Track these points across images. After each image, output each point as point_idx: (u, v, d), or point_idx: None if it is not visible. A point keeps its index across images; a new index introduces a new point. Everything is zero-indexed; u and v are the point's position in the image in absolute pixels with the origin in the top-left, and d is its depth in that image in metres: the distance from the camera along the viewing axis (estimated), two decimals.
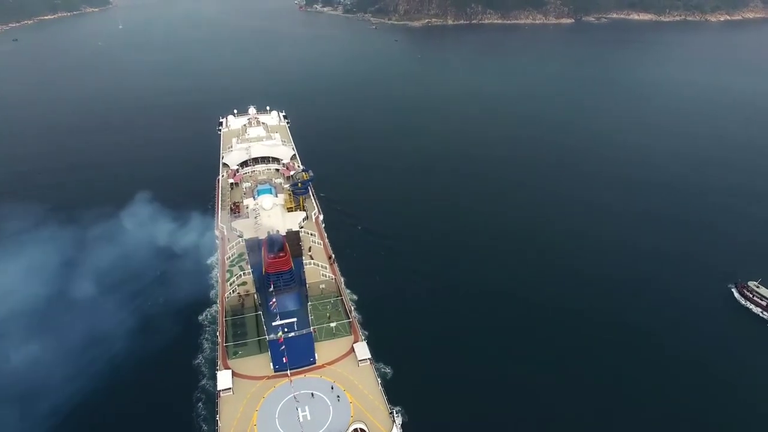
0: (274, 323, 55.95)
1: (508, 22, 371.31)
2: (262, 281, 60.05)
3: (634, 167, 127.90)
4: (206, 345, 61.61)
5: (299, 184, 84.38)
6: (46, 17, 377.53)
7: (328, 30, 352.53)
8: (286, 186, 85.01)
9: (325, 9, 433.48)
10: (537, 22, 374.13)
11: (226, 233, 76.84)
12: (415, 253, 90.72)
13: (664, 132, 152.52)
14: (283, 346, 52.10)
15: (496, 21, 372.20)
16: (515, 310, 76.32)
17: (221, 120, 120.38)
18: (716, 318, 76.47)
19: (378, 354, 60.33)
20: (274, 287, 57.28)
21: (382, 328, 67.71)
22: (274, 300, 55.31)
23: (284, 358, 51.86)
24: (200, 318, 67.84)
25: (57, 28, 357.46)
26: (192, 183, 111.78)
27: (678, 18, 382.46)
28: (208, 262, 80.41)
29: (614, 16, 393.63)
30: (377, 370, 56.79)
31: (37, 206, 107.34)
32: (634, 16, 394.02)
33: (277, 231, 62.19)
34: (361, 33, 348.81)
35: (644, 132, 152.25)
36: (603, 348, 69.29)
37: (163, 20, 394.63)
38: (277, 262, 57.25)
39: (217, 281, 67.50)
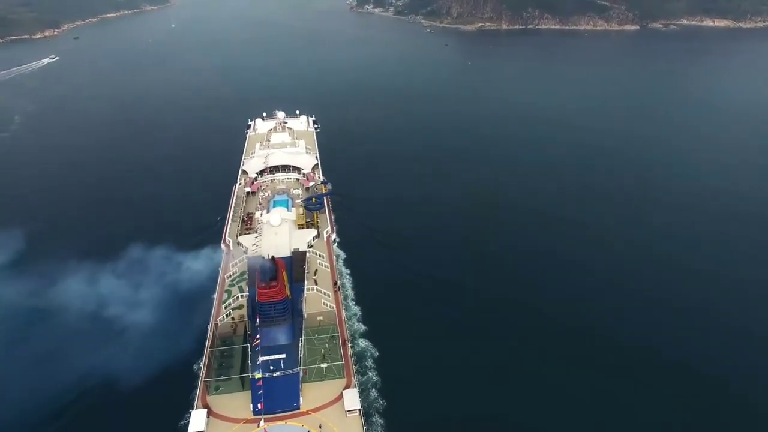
0: (260, 358, 51.10)
1: (567, 28, 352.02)
2: (254, 309, 55.32)
3: (716, 201, 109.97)
4: (189, 377, 56.77)
5: (313, 200, 79.64)
6: (108, 15, 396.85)
7: (376, 32, 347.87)
8: (299, 201, 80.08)
9: (376, 10, 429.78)
10: (598, 28, 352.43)
11: (231, 248, 73.09)
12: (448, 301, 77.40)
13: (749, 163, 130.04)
14: (261, 391, 46.88)
15: (553, 26, 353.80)
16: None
17: (249, 123, 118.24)
18: None
19: (372, 405, 54.46)
20: (261, 320, 52.24)
21: (383, 373, 60.75)
22: (257, 337, 50.21)
23: (260, 404, 46.52)
24: (188, 346, 62.14)
25: (116, 26, 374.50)
26: (213, 189, 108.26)
27: (761, 24, 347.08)
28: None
29: (685, 22, 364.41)
30: (368, 423, 50.50)
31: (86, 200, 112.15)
32: (708, 23, 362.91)
33: (271, 257, 56.94)
34: (410, 36, 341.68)
35: (725, 161, 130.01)
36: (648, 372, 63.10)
37: (215, 20, 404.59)
38: (269, 293, 52.23)
39: (213, 302, 63.20)
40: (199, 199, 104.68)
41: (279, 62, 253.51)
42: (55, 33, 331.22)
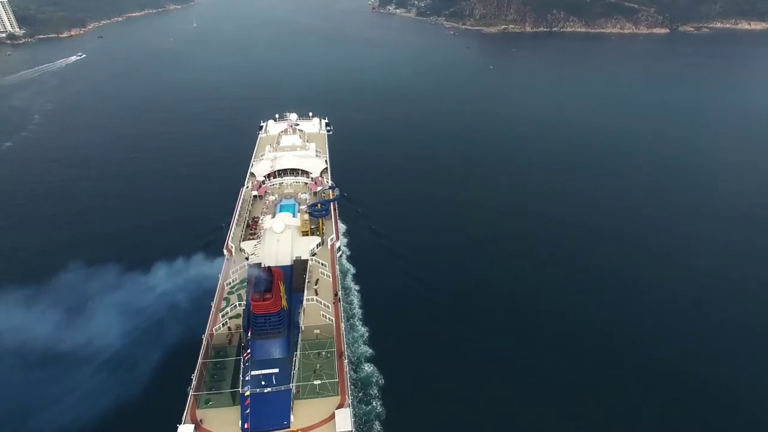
0: (252, 372, 49.19)
1: (593, 31, 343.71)
2: (249, 319, 53.44)
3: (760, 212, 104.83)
4: (181, 389, 55.11)
5: (319, 205, 77.48)
6: (134, 14, 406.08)
7: (397, 34, 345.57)
8: (303, 207, 78.11)
9: (398, 11, 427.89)
10: (625, 31, 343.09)
11: (234, 254, 71.52)
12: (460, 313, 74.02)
13: None
14: (248, 410, 44.90)
15: (579, 29, 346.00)
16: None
17: (262, 124, 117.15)
18: None
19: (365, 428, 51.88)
20: (255, 332, 50.27)
21: (388, 404, 57.74)
22: (248, 351, 48.27)
23: (246, 424, 44.53)
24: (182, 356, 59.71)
25: (140, 25, 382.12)
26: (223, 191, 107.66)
27: None
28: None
29: (718, 25, 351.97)
30: None
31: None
32: (744, 26, 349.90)
33: (267, 267, 54.93)
34: (431, 38, 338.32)
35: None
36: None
37: (237, 19, 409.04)
38: (262, 305, 50.22)
39: (211, 310, 61.56)
40: (209, 202, 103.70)
41: (297, 62, 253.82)
42: (81, 32, 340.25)
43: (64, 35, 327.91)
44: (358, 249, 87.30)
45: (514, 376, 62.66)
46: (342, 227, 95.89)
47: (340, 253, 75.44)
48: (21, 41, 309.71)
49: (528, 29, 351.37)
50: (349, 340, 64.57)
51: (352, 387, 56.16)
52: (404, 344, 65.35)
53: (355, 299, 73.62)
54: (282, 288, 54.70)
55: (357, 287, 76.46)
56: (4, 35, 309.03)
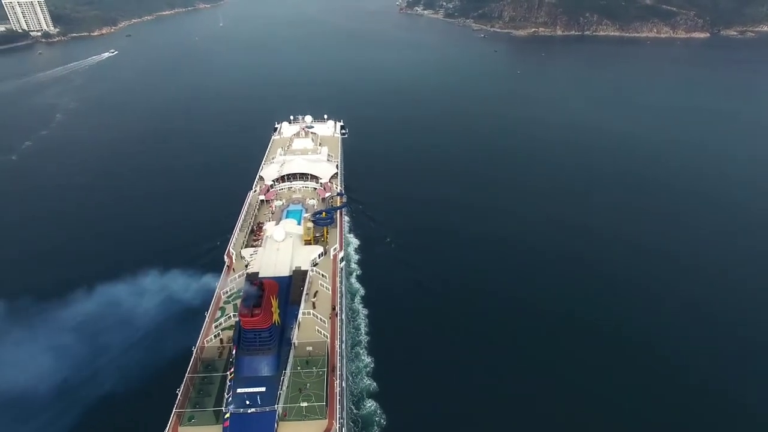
0: (238, 390, 46.92)
1: (627, 35, 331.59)
2: (239, 333, 51.20)
3: None
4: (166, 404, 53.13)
5: (323, 214, 74.86)
6: (164, 13, 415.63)
7: (423, 35, 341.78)
8: (307, 215, 75.68)
9: (426, 12, 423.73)
10: (662, 35, 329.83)
11: (234, 261, 69.61)
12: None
13: None
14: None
15: (612, 33, 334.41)
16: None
17: (276, 125, 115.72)
18: None
19: None
20: (243, 347, 48.01)
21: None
22: (231, 370, 45.94)
23: None
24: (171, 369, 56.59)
25: (169, 24, 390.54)
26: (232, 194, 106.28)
27: None
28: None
29: (765, 29, 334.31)
30: None
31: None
32: None
33: (259, 281, 52.49)
34: (458, 40, 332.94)
35: None
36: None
37: (262, 18, 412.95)
38: (250, 321, 47.85)
39: (204, 320, 59.52)
40: (220, 203, 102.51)
41: (319, 62, 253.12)
42: (112, 30, 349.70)
43: (95, 34, 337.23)
44: (370, 266, 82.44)
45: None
46: (354, 241, 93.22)
47: (342, 263, 72.56)
48: (55, 39, 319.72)
49: (559, 32, 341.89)
50: (351, 369, 60.97)
51: (352, 425, 52.99)
52: (415, 385, 59.41)
53: (362, 324, 68.89)
54: (275, 302, 52.14)
55: (365, 311, 71.74)
56: (39, 34, 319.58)
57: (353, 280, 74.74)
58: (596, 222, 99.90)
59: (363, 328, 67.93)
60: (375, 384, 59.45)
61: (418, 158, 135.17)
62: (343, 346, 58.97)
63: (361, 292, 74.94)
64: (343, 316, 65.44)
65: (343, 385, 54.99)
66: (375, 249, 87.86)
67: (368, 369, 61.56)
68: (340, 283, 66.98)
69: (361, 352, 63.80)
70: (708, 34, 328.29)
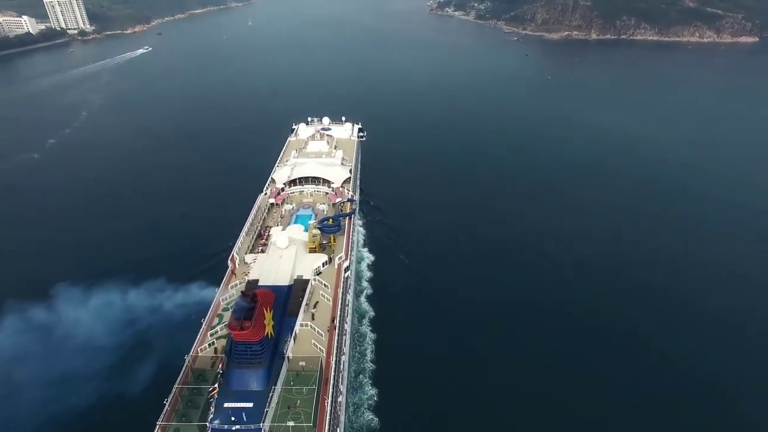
0: (224, 405, 44.85)
1: (667, 39, 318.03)
2: (230, 345, 49.21)
3: None
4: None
5: (330, 221, 72.34)
6: (196, 11, 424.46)
7: (453, 37, 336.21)
8: (312, 222, 73.33)
9: (456, 13, 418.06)
10: (705, 40, 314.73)
11: (237, 266, 67.92)
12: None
13: None
14: None
15: (650, 37, 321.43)
16: None
17: (294, 127, 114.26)
18: None
19: None
20: (233, 360, 45.98)
21: None
22: (214, 387, 43.85)
23: None
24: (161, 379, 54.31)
25: (200, 22, 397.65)
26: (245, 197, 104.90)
27: None
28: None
29: None
30: None
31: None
32: None
33: (252, 293, 50.24)
34: (488, 43, 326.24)
35: None
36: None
37: (292, 17, 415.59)
38: (240, 334, 45.72)
39: (201, 327, 57.78)
40: (233, 206, 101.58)
41: (344, 63, 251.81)
42: (145, 28, 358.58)
43: (128, 31, 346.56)
44: (384, 286, 77.23)
45: None
46: (368, 256, 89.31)
47: (347, 273, 69.90)
48: (90, 37, 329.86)
49: (593, 36, 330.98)
50: (354, 400, 57.43)
51: None
52: (423, 429, 54.59)
53: (369, 350, 64.36)
54: (268, 314, 49.86)
55: (373, 335, 67.11)
56: (75, 32, 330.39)
57: (363, 299, 70.10)
58: (636, 236, 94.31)
59: (369, 355, 63.25)
60: (377, 420, 54.99)
61: (441, 163, 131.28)
62: (344, 363, 56.29)
63: (371, 314, 70.35)
64: (348, 328, 62.85)
65: (341, 400, 52.38)
66: (391, 266, 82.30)
67: (371, 402, 57.04)
68: (343, 294, 64.37)
69: (365, 381, 59.39)
70: (757, 39, 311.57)
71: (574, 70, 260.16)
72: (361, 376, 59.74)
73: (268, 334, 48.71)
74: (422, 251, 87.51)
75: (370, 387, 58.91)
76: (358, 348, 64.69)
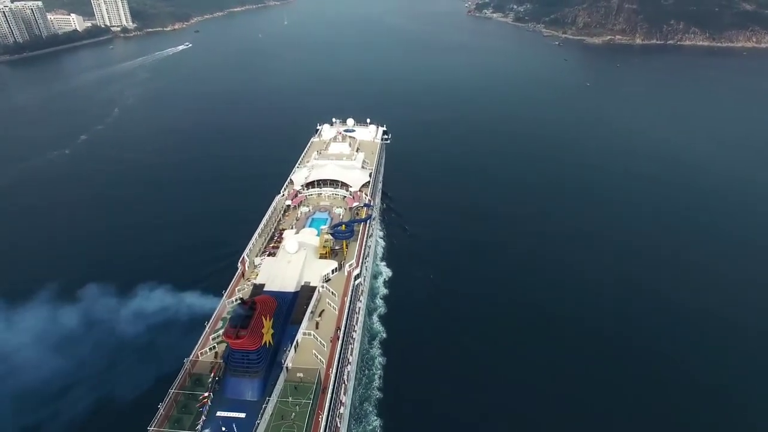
0: (217, 413, 43.56)
1: (718, 44, 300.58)
2: (228, 352, 47.89)
3: None
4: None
5: (342, 227, 70.26)
6: (235, 9, 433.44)
7: (490, 40, 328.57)
8: (324, 227, 71.40)
9: (495, 15, 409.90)
10: (761, 46, 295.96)
11: (247, 268, 66.79)
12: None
13: None
14: None
15: (700, 43, 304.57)
16: None
17: (318, 127, 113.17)
18: None
19: None
20: (228, 368, 44.64)
21: None
22: (205, 395, 42.45)
23: None
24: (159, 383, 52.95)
25: (238, 20, 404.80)
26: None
27: None
28: None
29: None
30: None
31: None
32: None
33: (252, 300, 48.59)
34: (527, 47, 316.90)
35: None
36: None
37: (328, 17, 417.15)
38: (236, 343, 44.24)
39: (204, 330, 56.68)
40: (253, 206, 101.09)
41: (377, 64, 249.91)
42: (184, 25, 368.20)
43: (168, 29, 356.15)
44: (399, 305, 72.69)
45: None
46: (386, 271, 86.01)
47: (357, 281, 67.60)
48: (131, 34, 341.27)
49: (638, 41, 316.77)
50: (357, 431, 54.87)
51: None
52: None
53: (377, 376, 60.98)
54: (267, 322, 48.22)
55: (383, 359, 63.36)
56: (118, 29, 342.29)
57: (375, 318, 66.21)
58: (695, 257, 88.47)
59: (377, 381, 59.80)
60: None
61: (473, 170, 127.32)
62: (350, 373, 54.07)
63: (383, 335, 66.87)
64: (357, 337, 60.52)
65: (342, 411, 50.22)
66: (410, 283, 77.22)
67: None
68: (352, 302, 62.13)
69: (370, 410, 56.24)
70: None
71: (616, 77, 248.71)
72: (366, 404, 56.27)
73: (266, 342, 47.22)
74: (448, 269, 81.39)
75: (375, 417, 55.37)
76: (366, 372, 61.17)
